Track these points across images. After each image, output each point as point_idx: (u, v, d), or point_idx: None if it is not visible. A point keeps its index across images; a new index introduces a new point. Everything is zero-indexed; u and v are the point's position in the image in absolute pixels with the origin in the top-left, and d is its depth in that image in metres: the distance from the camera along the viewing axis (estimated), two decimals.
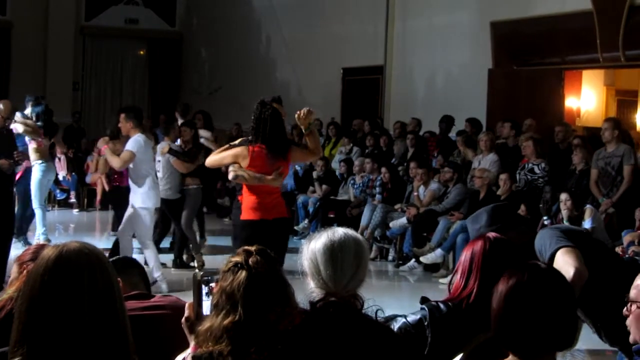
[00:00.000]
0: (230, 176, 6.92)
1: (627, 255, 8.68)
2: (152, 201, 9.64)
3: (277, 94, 7.40)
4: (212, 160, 7.16)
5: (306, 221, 13.67)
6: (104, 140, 10.26)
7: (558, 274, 2.77)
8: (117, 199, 11.23)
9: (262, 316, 2.81)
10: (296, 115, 6.80)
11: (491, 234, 3.78)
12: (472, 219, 4.52)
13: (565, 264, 3.93)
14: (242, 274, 2.87)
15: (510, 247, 3.74)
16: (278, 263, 3.01)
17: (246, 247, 3.00)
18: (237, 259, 2.94)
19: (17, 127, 10.95)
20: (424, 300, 3.77)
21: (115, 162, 9.48)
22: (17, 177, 10.99)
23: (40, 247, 3.75)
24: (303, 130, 6.95)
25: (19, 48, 20.82)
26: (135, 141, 9.36)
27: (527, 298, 2.57)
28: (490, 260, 3.62)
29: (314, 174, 14.42)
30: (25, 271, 3.61)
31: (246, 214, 6.86)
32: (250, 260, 2.91)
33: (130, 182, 9.58)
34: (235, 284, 2.86)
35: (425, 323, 3.56)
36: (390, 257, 12.25)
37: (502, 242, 3.71)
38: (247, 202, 6.87)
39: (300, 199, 14.08)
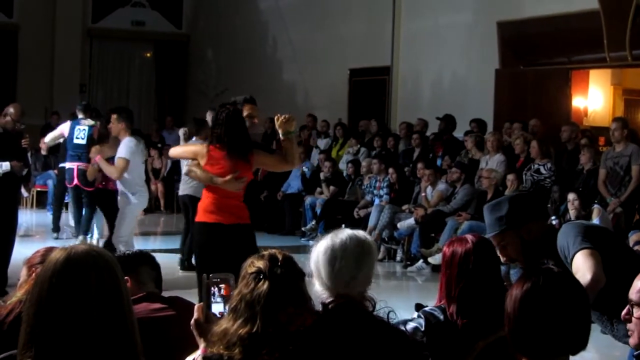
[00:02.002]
0: (184, 170, 6.76)
1: None
2: (143, 204, 9.82)
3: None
4: (174, 151, 7.13)
5: (313, 222, 13.68)
6: (96, 150, 10.46)
7: (572, 279, 2.76)
8: (104, 201, 11.26)
9: (278, 324, 2.79)
10: (275, 118, 6.45)
11: (469, 236, 3.79)
12: (492, 207, 4.42)
13: (584, 267, 3.91)
14: (264, 286, 2.82)
15: (490, 250, 3.74)
16: (303, 275, 2.96)
17: (273, 253, 2.93)
18: (261, 264, 2.87)
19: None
20: (419, 307, 3.77)
21: (114, 173, 9.59)
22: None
23: (49, 250, 3.76)
24: (280, 135, 6.49)
25: (25, 50, 20.82)
26: (126, 147, 9.48)
27: (542, 302, 2.57)
28: (469, 264, 3.63)
29: (322, 175, 14.43)
30: (34, 274, 3.62)
31: (201, 215, 6.48)
32: (275, 271, 2.86)
33: (120, 185, 9.64)
34: (255, 294, 2.81)
35: (422, 330, 3.56)
36: (398, 258, 12.24)
37: (480, 245, 3.71)
38: (203, 204, 6.49)
39: (308, 200, 14.08)
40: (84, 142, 11.67)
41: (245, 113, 6.67)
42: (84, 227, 11.82)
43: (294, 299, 2.84)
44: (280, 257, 2.91)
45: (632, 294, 2.94)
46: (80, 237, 11.63)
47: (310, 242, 12.96)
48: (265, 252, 2.94)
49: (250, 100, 6.82)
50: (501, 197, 4.55)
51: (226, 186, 6.32)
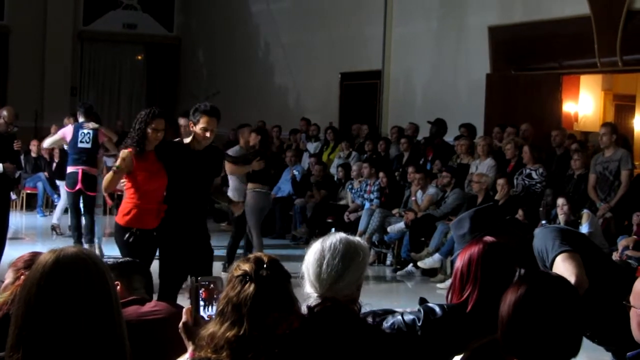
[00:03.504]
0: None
1: (619, 259, 8.72)
2: None
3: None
4: None
5: (304, 226, 13.67)
6: None
7: (568, 284, 2.76)
8: None
9: (264, 327, 2.79)
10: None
11: (488, 238, 3.76)
12: (456, 225, 4.47)
13: (566, 271, 3.92)
14: (251, 288, 2.82)
15: (508, 251, 3.72)
16: (289, 277, 2.95)
17: (258, 256, 2.94)
18: (247, 267, 2.88)
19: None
20: (422, 301, 3.76)
21: None
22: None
23: (36, 254, 3.76)
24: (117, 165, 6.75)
25: (17, 53, 20.80)
26: None
27: (537, 307, 2.56)
28: (488, 264, 3.61)
29: (312, 179, 14.43)
30: (22, 276, 3.61)
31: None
32: (260, 273, 2.86)
33: None
34: (242, 296, 2.81)
35: (419, 324, 3.55)
36: (388, 262, 12.25)
37: (499, 245, 3.69)
38: None
39: (298, 203, 14.07)
40: (89, 145, 11.52)
41: (200, 126, 6.68)
42: (88, 235, 11.70)
43: (280, 301, 2.85)
44: (265, 259, 2.92)
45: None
46: (86, 245, 11.51)
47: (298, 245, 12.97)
48: (251, 255, 2.95)
49: (209, 112, 6.70)
50: (463, 214, 4.56)
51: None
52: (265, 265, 2.88)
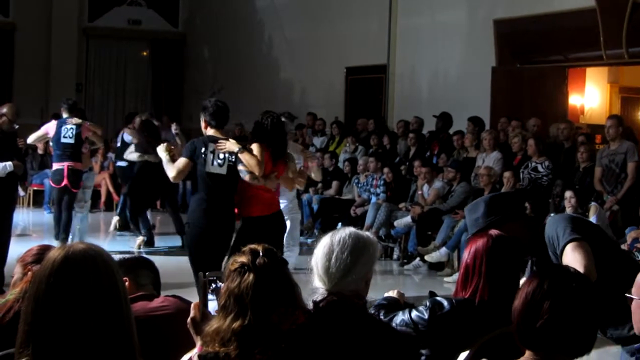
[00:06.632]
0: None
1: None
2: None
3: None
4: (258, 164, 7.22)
5: (310, 220, 13.66)
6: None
7: (584, 279, 2.73)
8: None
9: (269, 318, 2.80)
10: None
11: (493, 231, 3.77)
12: (470, 208, 4.48)
13: (575, 261, 3.91)
14: (250, 277, 2.84)
15: (514, 244, 3.72)
16: (286, 264, 2.99)
17: (252, 247, 2.97)
18: (243, 259, 2.90)
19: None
20: (432, 294, 3.77)
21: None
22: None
23: (46, 249, 3.77)
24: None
25: (22, 49, 20.80)
26: None
27: (552, 301, 2.55)
28: (493, 258, 3.62)
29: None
30: (29, 272, 3.62)
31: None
32: (257, 262, 2.88)
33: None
34: (243, 286, 2.83)
35: (425, 318, 3.56)
36: (394, 256, 12.24)
37: (504, 239, 3.70)
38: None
39: (305, 197, 14.05)
40: (72, 141, 11.37)
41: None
42: (62, 234, 11.48)
43: (280, 287, 2.87)
44: (260, 249, 2.94)
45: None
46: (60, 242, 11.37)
47: (309, 240, 12.96)
48: (245, 248, 2.96)
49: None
50: (479, 198, 4.57)
51: (266, 184, 7.15)
52: (261, 254, 2.90)
